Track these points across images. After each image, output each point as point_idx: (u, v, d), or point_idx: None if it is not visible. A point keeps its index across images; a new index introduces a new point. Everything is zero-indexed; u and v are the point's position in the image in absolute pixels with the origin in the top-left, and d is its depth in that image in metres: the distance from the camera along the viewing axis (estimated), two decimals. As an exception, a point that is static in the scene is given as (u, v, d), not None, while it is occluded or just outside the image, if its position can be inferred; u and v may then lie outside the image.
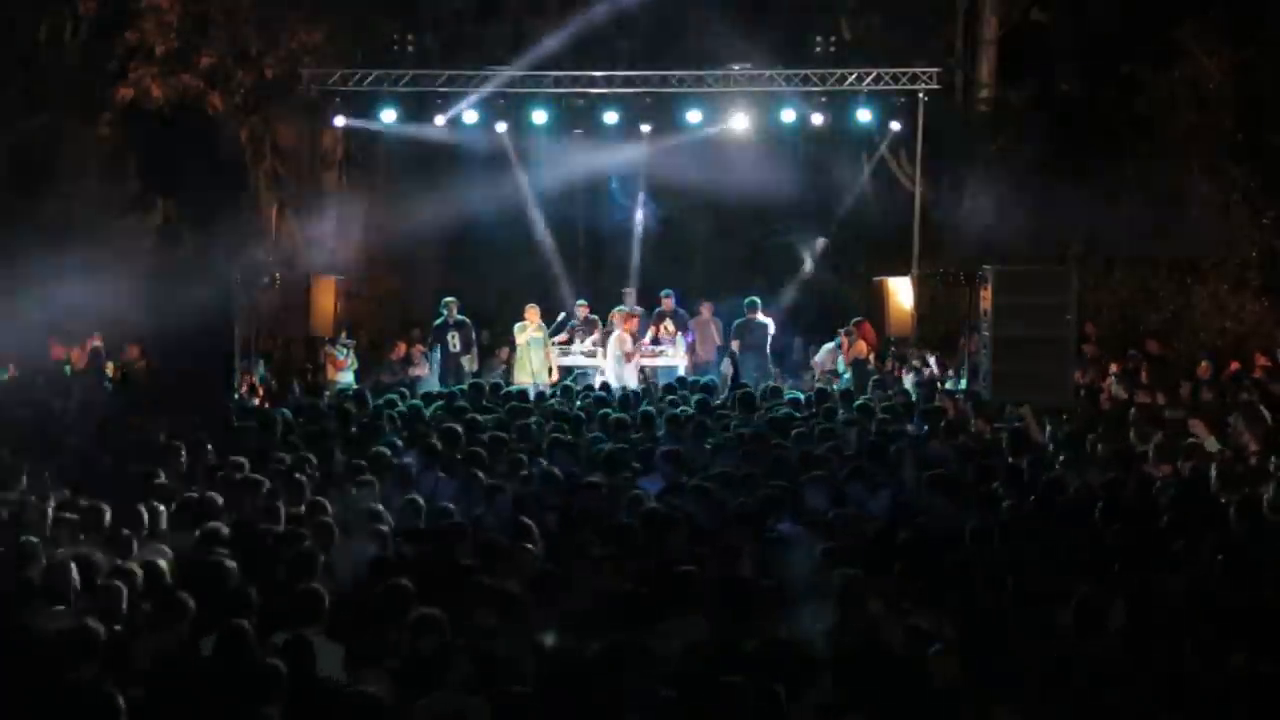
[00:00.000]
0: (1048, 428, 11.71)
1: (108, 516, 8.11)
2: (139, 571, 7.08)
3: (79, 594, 6.91)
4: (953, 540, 7.75)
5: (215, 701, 5.67)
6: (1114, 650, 6.07)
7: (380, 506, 8.70)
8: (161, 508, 8.49)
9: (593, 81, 18.69)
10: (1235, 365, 16.49)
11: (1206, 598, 6.61)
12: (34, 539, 7.70)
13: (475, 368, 17.47)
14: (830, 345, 17.33)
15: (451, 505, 8.88)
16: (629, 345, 16.87)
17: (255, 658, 5.96)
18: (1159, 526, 7.99)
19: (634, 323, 17.28)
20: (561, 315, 18.00)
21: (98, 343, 17.30)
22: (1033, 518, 8.16)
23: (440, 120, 18.98)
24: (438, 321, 17.76)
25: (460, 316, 17.72)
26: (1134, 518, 8.07)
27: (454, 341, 17.51)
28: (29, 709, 5.58)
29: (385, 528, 8.25)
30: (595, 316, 17.99)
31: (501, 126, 19.37)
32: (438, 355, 17.66)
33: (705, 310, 18.15)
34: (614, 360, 16.78)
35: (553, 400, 13.43)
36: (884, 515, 8.61)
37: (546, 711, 5.60)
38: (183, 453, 10.18)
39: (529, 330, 17.21)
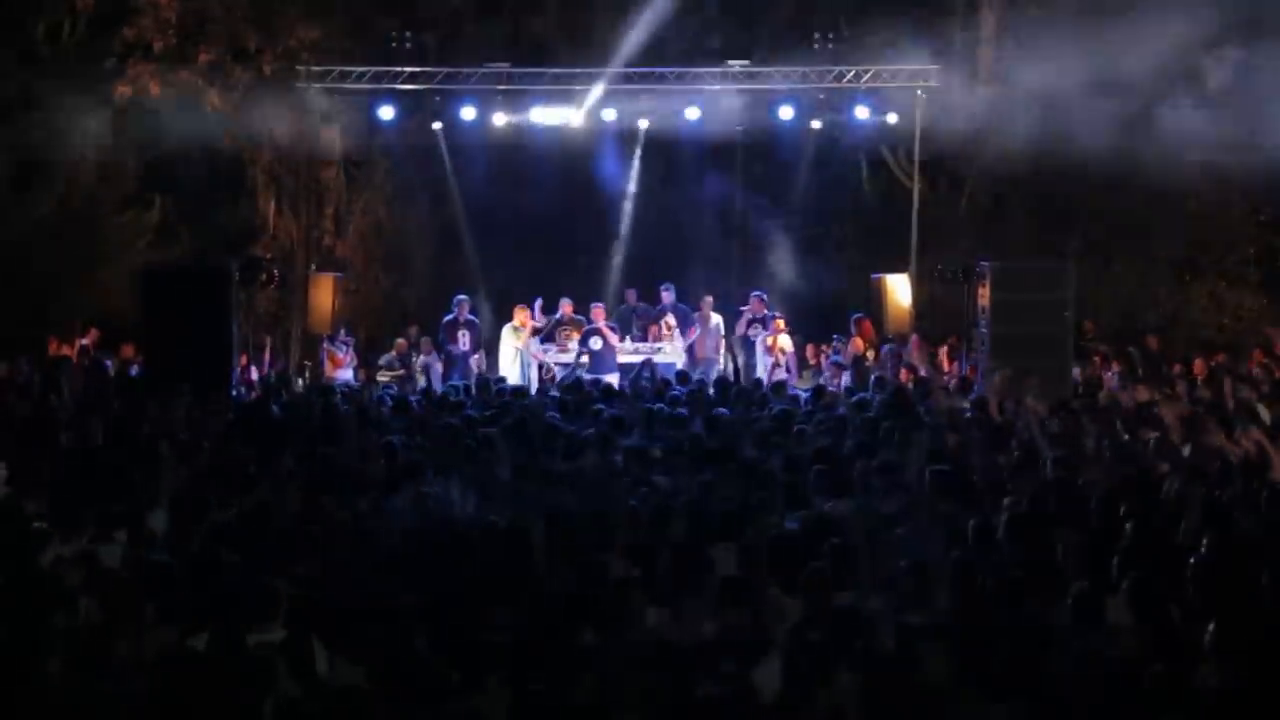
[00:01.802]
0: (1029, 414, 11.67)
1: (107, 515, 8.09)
2: (136, 567, 7.09)
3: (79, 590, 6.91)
4: (952, 538, 7.75)
5: (209, 698, 5.67)
6: (1114, 648, 6.06)
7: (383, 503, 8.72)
8: (158, 504, 8.50)
9: (591, 78, 18.67)
10: (1220, 357, 16.52)
11: (1208, 594, 6.62)
12: (44, 526, 7.71)
13: (484, 367, 17.40)
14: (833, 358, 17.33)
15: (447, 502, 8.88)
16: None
17: (249, 654, 5.96)
18: (1161, 523, 7.99)
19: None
20: (557, 315, 17.93)
21: (91, 340, 17.29)
22: (1033, 514, 8.14)
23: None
24: (448, 318, 17.70)
25: (470, 316, 17.70)
26: (1136, 514, 8.07)
27: (464, 340, 17.48)
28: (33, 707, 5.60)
29: (388, 525, 8.25)
30: (580, 317, 17.88)
31: (500, 120, 19.36)
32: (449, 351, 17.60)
33: (706, 305, 18.14)
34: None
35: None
36: (882, 511, 8.58)
37: (561, 706, 5.61)
38: (180, 449, 10.18)
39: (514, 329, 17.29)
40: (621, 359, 17.04)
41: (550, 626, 6.45)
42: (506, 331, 17.42)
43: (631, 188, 21.33)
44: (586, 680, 5.87)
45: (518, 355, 17.16)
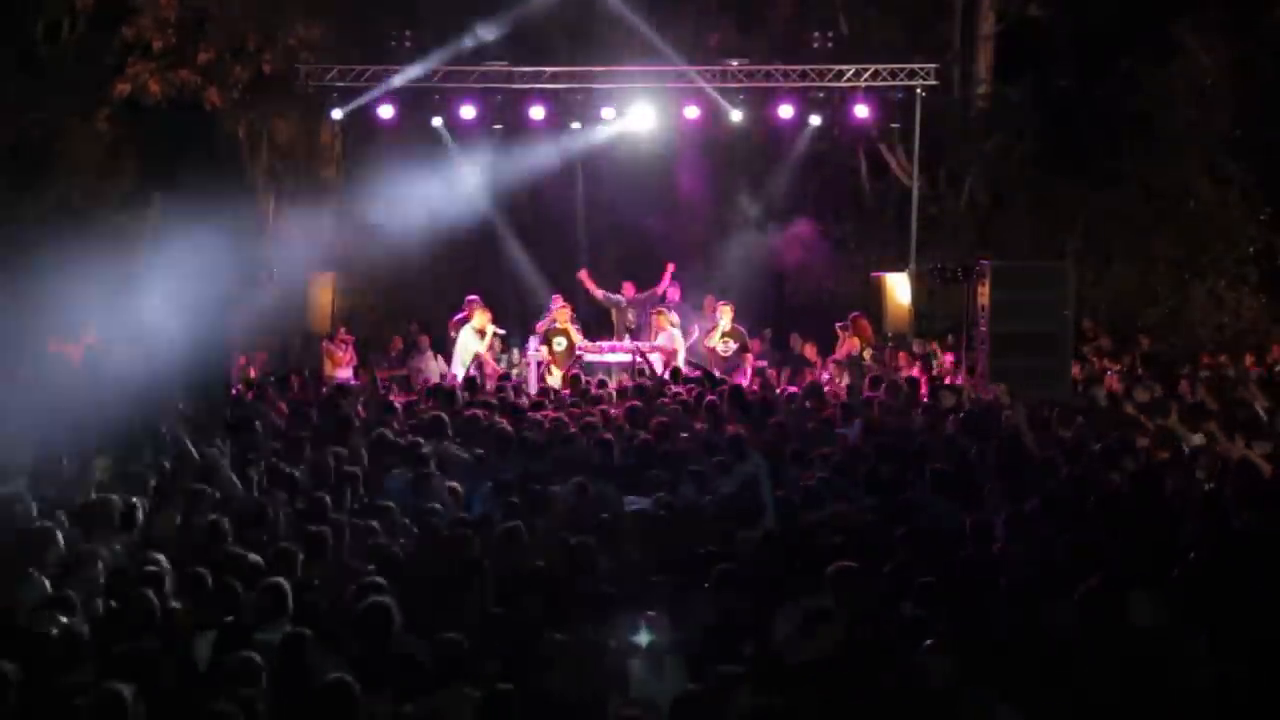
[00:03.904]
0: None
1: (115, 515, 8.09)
2: (140, 569, 7.09)
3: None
4: (952, 536, 7.76)
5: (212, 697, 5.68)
6: (1117, 646, 6.07)
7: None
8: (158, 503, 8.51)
9: (590, 77, 18.68)
10: (1223, 358, 16.54)
11: (1208, 594, 6.62)
12: (49, 525, 7.72)
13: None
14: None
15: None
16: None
17: (254, 654, 5.97)
18: (1163, 521, 8.01)
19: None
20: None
21: (93, 339, 17.29)
22: (1033, 513, 8.14)
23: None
24: (458, 316, 17.51)
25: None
26: (1137, 513, 8.09)
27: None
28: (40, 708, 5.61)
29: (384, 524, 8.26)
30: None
31: (499, 120, 19.38)
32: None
33: (708, 302, 18.09)
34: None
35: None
36: (880, 511, 8.58)
37: (529, 706, 5.62)
38: (180, 448, 10.17)
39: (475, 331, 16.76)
40: (610, 359, 16.87)
41: (524, 623, 6.46)
42: (468, 333, 16.42)
43: (629, 186, 21.31)
44: (558, 678, 5.90)
45: (474, 362, 16.01)
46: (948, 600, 6.61)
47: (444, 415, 11.13)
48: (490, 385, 14.22)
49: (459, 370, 15.97)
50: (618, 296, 18.09)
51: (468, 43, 18.69)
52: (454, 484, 9.33)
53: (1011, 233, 20.62)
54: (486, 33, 18.83)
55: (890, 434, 10.89)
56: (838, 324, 17.33)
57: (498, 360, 16.89)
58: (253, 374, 15.70)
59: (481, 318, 16.49)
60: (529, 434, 10.65)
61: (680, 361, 16.00)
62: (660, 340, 16.86)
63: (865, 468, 9.51)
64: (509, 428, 10.78)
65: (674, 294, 18.08)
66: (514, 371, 17.33)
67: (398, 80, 18.33)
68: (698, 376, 13.86)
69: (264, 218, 21.22)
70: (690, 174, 21.58)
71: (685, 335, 17.49)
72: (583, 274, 18.04)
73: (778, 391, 13.93)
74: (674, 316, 17.43)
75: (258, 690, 5.74)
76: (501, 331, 16.91)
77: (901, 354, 16.49)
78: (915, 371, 15.39)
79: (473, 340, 16.44)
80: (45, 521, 7.82)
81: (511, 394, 13.18)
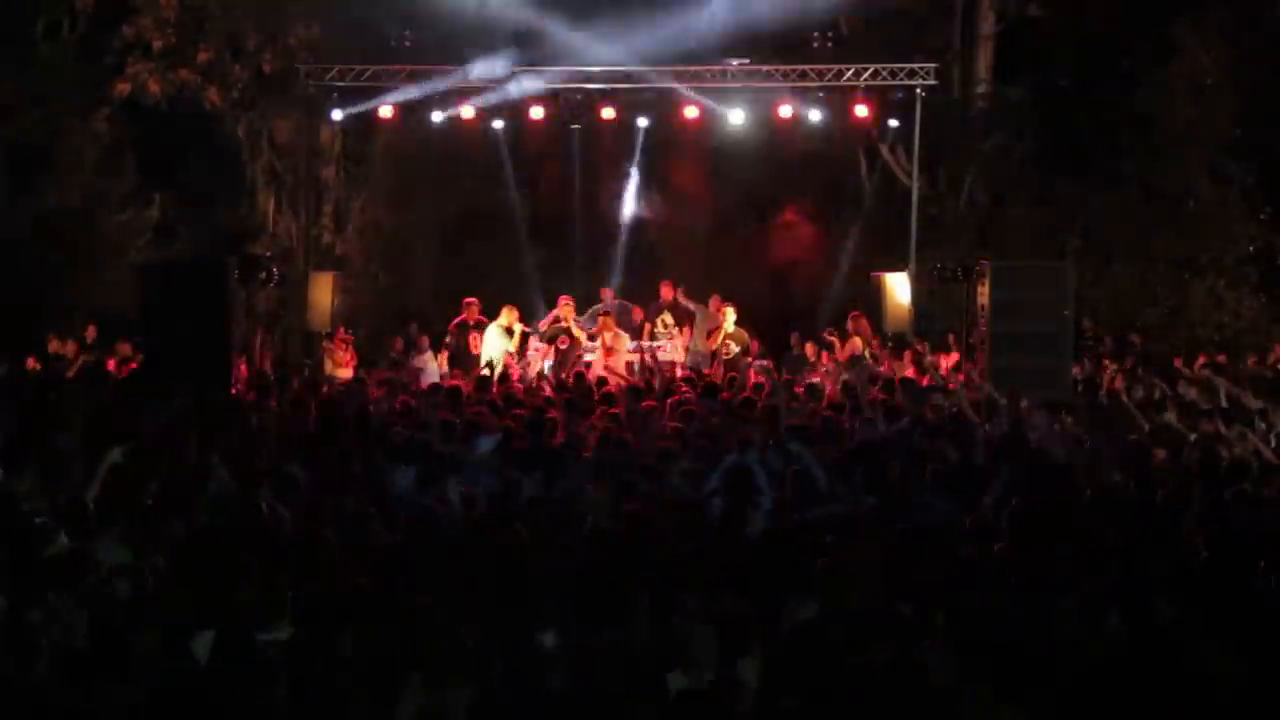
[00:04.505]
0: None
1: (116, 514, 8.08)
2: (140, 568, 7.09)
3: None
4: (951, 535, 7.76)
5: (214, 699, 5.68)
6: (1117, 646, 6.07)
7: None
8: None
9: (590, 76, 18.68)
10: (1221, 357, 16.56)
11: (1208, 593, 6.62)
12: (47, 520, 7.72)
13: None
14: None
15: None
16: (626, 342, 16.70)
17: (256, 654, 5.96)
18: (1159, 519, 8.01)
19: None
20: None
21: (91, 339, 17.29)
22: (1033, 512, 8.14)
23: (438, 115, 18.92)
24: (457, 321, 17.46)
25: (481, 318, 17.47)
26: (1135, 510, 8.10)
27: (474, 342, 17.31)
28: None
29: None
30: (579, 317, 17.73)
31: (498, 124, 19.38)
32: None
33: (713, 303, 18.09)
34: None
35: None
36: (880, 510, 8.58)
37: (520, 708, 5.62)
38: (178, 447, 10.16)
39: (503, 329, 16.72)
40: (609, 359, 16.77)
41: (522, 621, 6.47)
42: (494, 332, 16.49)
43: (630, 186, 21.33)
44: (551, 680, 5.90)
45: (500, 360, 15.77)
46: (948, 600, 6.61)
47: (448, 413, 11.16)
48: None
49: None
50: (597, 305, 18.14)
51: (466, 52, 18.70)
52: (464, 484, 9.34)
53: (1011, 233, 20.62)
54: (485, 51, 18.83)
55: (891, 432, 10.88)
56: (831, 328, 17.35)
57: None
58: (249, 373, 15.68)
59: (509, 315, 16.55)
60: (538, 433, 10.66)
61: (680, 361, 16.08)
62: (665, 344, 16.89)
63: (865, 467, 9.50)
64: (518, 426, 10.81)
65: (666, 292, 18.08)
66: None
67: (395, 98, 18.37)
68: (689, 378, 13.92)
69: (264, 217, 21.22)
70: (689, 174, 21.58)
71: (682, 334, 17.52)
72: (567, 299, 18.03)
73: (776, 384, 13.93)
74: (668, 317, 17.44)
75: (274, 691, 5.74)
76: (530, 330, 16.95)
77: (908, 353, 16.49)
78: (913, 372, 15.38)
79: (501, 339, 16.45)
80: (47, 520, 7.84)
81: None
